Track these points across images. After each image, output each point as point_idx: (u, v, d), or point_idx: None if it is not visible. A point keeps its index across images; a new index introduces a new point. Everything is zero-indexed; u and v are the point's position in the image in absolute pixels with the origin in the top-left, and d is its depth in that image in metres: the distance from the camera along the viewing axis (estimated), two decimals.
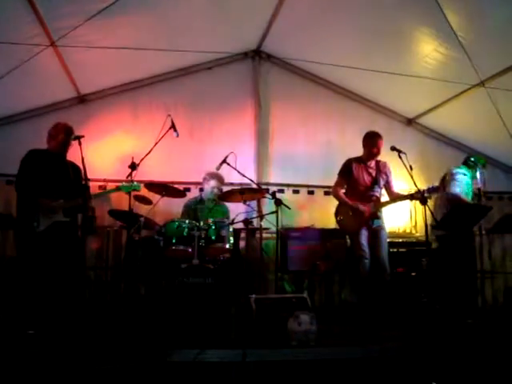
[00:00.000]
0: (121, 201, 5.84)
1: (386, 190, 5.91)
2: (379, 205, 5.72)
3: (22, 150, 5.19)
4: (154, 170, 6.43)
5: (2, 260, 5.94)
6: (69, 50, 5.89)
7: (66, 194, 4.95)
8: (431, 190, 5.38)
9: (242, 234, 6.09)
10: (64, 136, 5.10)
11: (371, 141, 5.82)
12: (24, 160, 5.03)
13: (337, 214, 5.89)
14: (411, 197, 5.50)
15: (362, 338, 4.88)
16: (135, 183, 5.23)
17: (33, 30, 5.36)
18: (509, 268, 7.39)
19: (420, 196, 5.20)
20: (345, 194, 5.86)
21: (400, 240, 6.81)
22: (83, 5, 5.26)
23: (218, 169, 5.78)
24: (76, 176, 4.98)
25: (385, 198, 5.93)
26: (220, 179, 6.27)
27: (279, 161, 7.53)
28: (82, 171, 4.70)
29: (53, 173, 5.04)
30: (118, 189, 5.28)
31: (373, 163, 5.85)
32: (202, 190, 6.51)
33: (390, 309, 5.50)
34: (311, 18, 6.24)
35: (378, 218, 5.71)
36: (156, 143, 5.45)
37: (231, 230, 5.62)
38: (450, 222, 5.38)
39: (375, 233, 5.65)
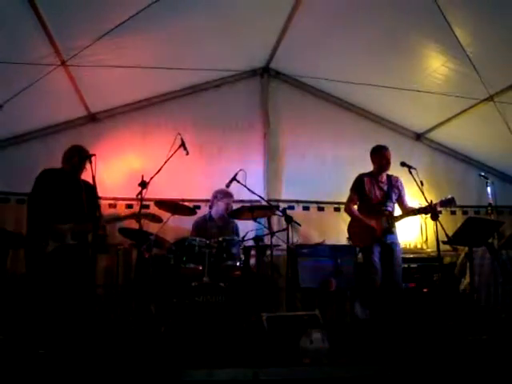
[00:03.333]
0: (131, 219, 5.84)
1: (399, 204, 5.88)
2: (392, 219, 5.69)
3: (33, 168, 5.23)
4: (164, 187, 6.42)
5: (13, 278, 5.95)
6: (79, 70, 5.95)
7: (77, 216, 4.96)
8: (444, 203, 5.35)
9: (253, 252, 6.08)
10: (78, 159, 5.14)
11: (379, 154, 5.83)
12: (37, 180, 5.05)
13: (349, 229, 5.87)
14: (424, 210, 5.47)
15: (375, 356, 4.83)
16: (148, 213, 5.33)
17: (44, 50, 5.43)
18: None
19: (432, 210, 5.17)
20: (357, 209, 5.84)
21: (411, 255, 6.77)
22: (93, 24, 5.32)
23: (227, 186, 5.79)
24: (89, 195, 4.98)
25: (398, 212, 5.89)
26: (231, 196, 6.28)
27: (289, 178, 7.53)
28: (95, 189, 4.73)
29: (65, 194, 5.06)
30: (130, 217, 5.32)
31: (384, 178, 5.84)
32: (211, 207, 6.50)
33: (403, 325, 5.45)
34: (319, 35, 6.27)
35: (392, 233, 5.68)
36: (166, 161, 5.45)
37: (242, 247, 5.60)
38: (461, 237, 5.34)
39: (389, 248, 5.61)
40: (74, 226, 4.95)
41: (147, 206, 6.16)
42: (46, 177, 5.08)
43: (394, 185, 5.85)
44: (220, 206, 6.31)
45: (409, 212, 5.79)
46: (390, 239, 5.65)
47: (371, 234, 5.61)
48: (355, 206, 5.88)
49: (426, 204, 5.27)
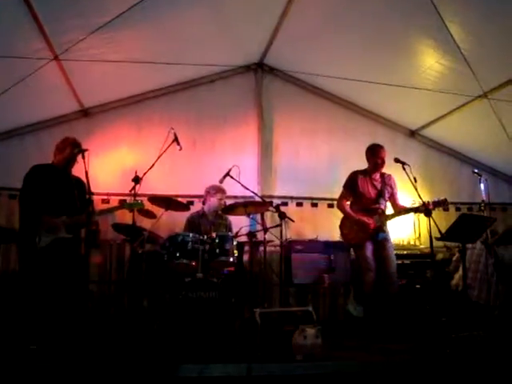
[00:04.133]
0: (124, 214, 5.80)
1: (391, 202, 5.89)
2: (384, 218, 5.70)
3: (25, 163, 5.18)
4: (158, 183, 6.40)
5: (5, 274, 5.92)
6: (72, 64, 5.91)
7: (69, 210, 4.92)
8: (436, 204, 5.37)
9: (246, 248, 6.07)
10: (71, 150, 5.08)
11: (374, 152, 5.82)
12: (28, 176, 5.00)
13: (341, 226, 5.87)
14: (416, 210, 5.50)
15: (368, 352, 4.84)
16: (139, 201, 5.19)
17: (36, 44, 5.39)
18: None
19: (424, 208, 5.18)
20: (350, 206, 5.84)
21: (404, 252, 6.78)
22: (86, 19, 5.28)
23: (221, 182, 5.76)
24: (80, 191, 4.95)
25: (390, 210, 5.90)
26: (224, 192, 6.26)
27: (282, 173, 7.53)
28: (86, 185, 4.68)
29: (56, 188, 5.00)
30: (121, 207, 5.28)
31: (378, 176, 5.84)
32: (204, 203, 6.47)
33: (396, 321, 5.47)
34: (313, 31, 6.26)
35: (384, 231, 5.69)
36: (159, 156, 5.42)
37: (235, 243, 5.59)
38: (454, 234, 5.35)
39: (381, 245, 5.63)
40: (67, 219, 4.91)
41: None
42: (36, 172, 5.03)
43: (387, 183, 5.85)
44: (213, 202, 6.28)
45: (401, 211, 5.81)
46: (381, 236, 5.66)
47: (363, 231, 5.62)
48: (348, 203, 5.88)
49: (419, 201, 5.28)
